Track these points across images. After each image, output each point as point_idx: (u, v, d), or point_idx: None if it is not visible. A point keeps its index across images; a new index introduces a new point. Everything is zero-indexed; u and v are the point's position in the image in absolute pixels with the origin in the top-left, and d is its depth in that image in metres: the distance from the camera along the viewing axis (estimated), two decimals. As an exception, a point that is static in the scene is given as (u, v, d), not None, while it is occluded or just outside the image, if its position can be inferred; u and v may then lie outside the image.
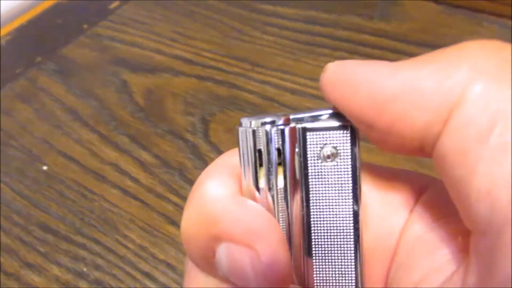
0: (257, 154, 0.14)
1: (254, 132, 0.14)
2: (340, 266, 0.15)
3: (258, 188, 0.14)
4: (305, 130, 0.14)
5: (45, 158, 0.43)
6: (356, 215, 0.14)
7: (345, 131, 0.14)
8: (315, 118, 0.14)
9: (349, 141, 0.14)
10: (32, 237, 0.37)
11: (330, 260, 0.15)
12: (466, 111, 0.11)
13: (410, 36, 0.48)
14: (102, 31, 0.55)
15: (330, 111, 0.14)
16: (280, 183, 0.14)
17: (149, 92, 0.47)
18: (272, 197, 0.14)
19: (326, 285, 0.15)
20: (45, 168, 0.42)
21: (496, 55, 0.11)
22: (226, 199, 0.14)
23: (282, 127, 0.14)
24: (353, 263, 0.14)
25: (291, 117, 0.14)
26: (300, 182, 0.14)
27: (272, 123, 0.14)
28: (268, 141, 0.14)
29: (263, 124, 0.14)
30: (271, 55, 0.49)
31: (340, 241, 0.14)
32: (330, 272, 0.15)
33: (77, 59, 0.52)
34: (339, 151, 0.14)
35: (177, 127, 0.43)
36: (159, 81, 0.48)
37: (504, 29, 0.47)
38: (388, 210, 0.15)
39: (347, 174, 0.14)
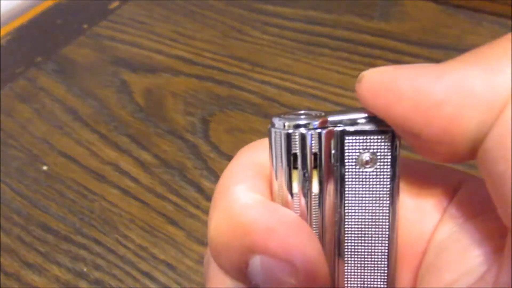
0: (291, 158, 0.13)
1: (289, 135, 0.13)
2: (372, 274, 0.14)
3: (291, 193, 0.14)
4: (343, 133, 0.13)
5: (45, 158, 0.43)
6: (392, 224, 0.14)
7: (385, 136, 0.13)
8: (353, 122, 0.13)
9: (389, 146, 0.13)
10: (32, 237, 0.37)
11: (362, 267, 0.14)
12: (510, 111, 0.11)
13: (410, 36, 0.48)
14: (102, 31, 0.55)
15: (367, 114, 0.13)
16: (315, 188, 0.14)
17: (149, 92, 0.47)
18: (307, 202, 0.14)
19: None
20: (45, 168, 0.42)
21: None
22: (258, 206, 0.13)
23: (319, 130, 0.13)
24: (385, 272, 0.14)
25: (328, 119, 0.14)
26: (336, 188, 0.14)
27: (308, 125, 0.14)
28: (305, 145, 0.13)
29: (298, 126, 0.13)
30: (271, 55, 0.49)
31: (374, 249, 0.14)
32: (362, 279, 0.14)
33: (77, 59, 0.52)
34: (378, 157, 0.13)
35: (177, 127, 0.43)
36: (159, 81, 0.48)
37: (504, 29, 0.47)
38: (421, 215, 0.15)
39: (386, 181, 0.13)
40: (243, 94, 0.45)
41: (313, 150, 0.13)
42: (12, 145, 0.44)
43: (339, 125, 0.13)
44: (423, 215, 0.15)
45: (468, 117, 0.12)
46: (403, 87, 0.12)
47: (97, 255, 0.35)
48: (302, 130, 0.13)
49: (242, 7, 0.55)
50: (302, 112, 0.14)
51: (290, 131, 0.13)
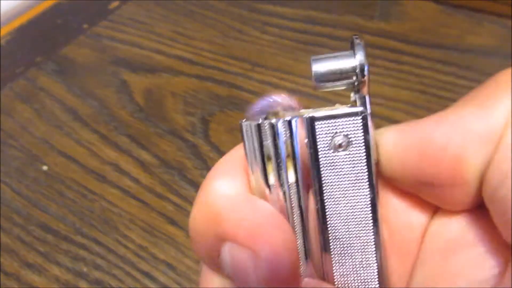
0: (264, 149, 0.13)
1: (259, 126, 0.13)
2: (360, 259, 0.14)
3: (268, 185, 0.14)
4: (313, 119, 0.13)
5: (45, 158, 0.43)
6: (373, 205, 0.13)
7: (355, 118, 0.13)
8: (325, 109, 0.13)
9: (361, 127, 0.13)
10: (32, 237, 0.37)
11: (349, 253, 0.14)
12: (508, 139, 0.12)
13: (410, 36, 0.48)
14: (102, 31, 0.55)
15: (343, 107, 0.13)
16: (291, 177, 0.13)
17: (149, 92, 0.47)
18: (284, 193, 0.14)
19: (347, 279, 0.14)
20: (45, 168, 0.42)
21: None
22: (233, 197, 0.13)
23: (288, 118, 0.13)
24: (374, 255, 0.14)
25: (299, 107, 0.14)
26: (312, 175, 0.13)
27: (277, 114, 0.13)
28: (275, 134, 0.13)
29: (266, 118, 0.13)
30: (271, 55, 0.49)
31: (359, 233, 0.14)
32: (350, 265, 0.14)
33: (77, 59, 0.52)
34: (351, 140, 0.13)
35: (177, 127, 0.43)
36: (159, 81, 0.48)
37: (504, 29, 0.47)
38: (411, 215, 0.15)
39: (362, 163, 0.13)
40: (243, 94, 0.45)
41: (284, 139, 0.13)
42: (12, 145, 0.44)
43: (308, 111, 0.13)
44: (414, 204, 0.15)
45: (472, 154, 0.12)
46: (409, 141, 0.13)
47: (97, 255, 0.35)
48: (272, 120, 0.13)
49: (242, 7, 0.55)
50: (268, 99, 0.14)
51: (260, 121, 0.13)
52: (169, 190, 0.39)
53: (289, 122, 0.13)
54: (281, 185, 0.14)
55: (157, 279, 0.34)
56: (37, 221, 0.38)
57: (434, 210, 0.15)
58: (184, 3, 0.57)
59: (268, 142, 0.13)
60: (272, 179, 0.14)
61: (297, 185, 0.14)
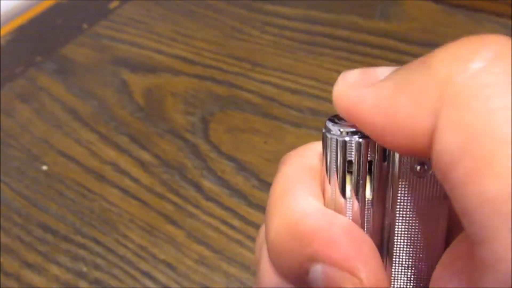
0: (346, 165, 0.14)
1: (345, 142, 0.14)
2: (419, 282, 0.14)
3: (345, 197, 0.14)
4: None
5: (45, 158, 0.43)
6: (442, 231, 0.14)
7: None
8: None
9: None
10: (32, 237, 0.37)
11: (410, 274, 0.14)
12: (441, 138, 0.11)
13: (410, 35, 0.48)
14: (102, 31, 0.55)
15: None
16: (368, 193, 0.14)
17: (149, 92, 0.47)
18: (360, 207, 0.14)
19: None
20: (44, 168, 0.42)
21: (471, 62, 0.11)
22: (317, 214, 0.14)
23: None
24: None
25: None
26: (388, 194, 0.14)
27: (361, 134, 0.14)
28: (360, 152, 0.14)
29: (354, 133, 0.14)
30: (271, 55, 0.49)
31: (422, 256, 0.14)
32: (409, 283, 0.15)
33: (77, 59, 0.52)
34: (428, 167, 0.13)
35: (177, 127, 0.43)
36: (159, 81, 0.48)
37: (504, 29, 0.47)
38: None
39: (437, 189, 0.14)
40: (243, 94, 0.45)
41: (368, 158, 0.14)
42: (12, 145, 0.44)
43: None
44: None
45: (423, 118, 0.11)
46: (371, 115, 0.13)
47: (96, 255, 0.35)
48: (358, 138, 0.14)
49: (242, 6, 0.55)
50: None
51: (347, 138, 0.14)
52: (169, 190, 0.39)
53: (375, 143, 0.14)
54: (358, 199, 0.14)
55: (157, 279, 0.34)
56: (37, 221, 0.38)
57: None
58: (184, 3, 0.57)
59: (352, 159, 0.14)
60: (349, 192, 0.14)
61: (373, 202, 0.14)
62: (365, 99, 0.12)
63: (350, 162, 0.14)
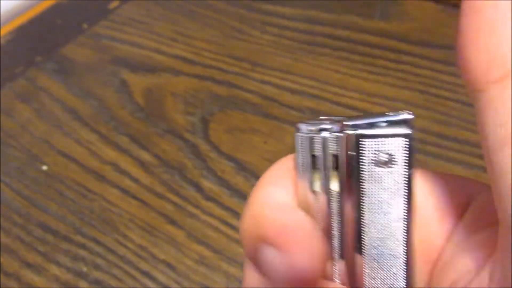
0: (313, 159, 0.15)
1: (311, 138, 0.15)
2: (390, 271, 0.15)
3: (313, 191, 0.15)
4: (360, 136, 0.14)
5: (44, 158, 0.43)
6: (408, 221, 0.14)
7: (400, 139, 0.14)
8: (370, 125, 0.14)
9: (404, 148, 0.14)
10: (32, 237, 0.37)
11: (381, 264, 0.15)
12: None
13: (410, 35, 0.48)
14: (101, 31, 0.55)
15: (386, 119, 0.14)
16: (335, 187, 0.15)
17: (149, 92, 0.47)
18: (327, 200, 0.15)
19: (375, 282, 0.15)
20: (44, 168, 0.42)
21: None
22: (279, 206, 0.15)
23: (338, 134, 0.15)
24: (404, 270, 0.15)
25: (347, 123, 0.14)
26: (354, 187, 0.15)
27: (328, 129, 0.15)
28: (325, 147, 0.15)
29: (320, 130, 0.15)
30: (271, 55, 0.49)
31: (390, 245, 0.15)
32: (381, 276, 0.15)
33: (77, 59, 0.52)
34: (394, 158, 0.14)
35: (177, 127, 0.43)
36: (159, 81, 0.48)
37: (504, 28, 0.47)
38: (439, 215, 0.15)
39: (402, 181, 0.14)
40: (243, 94, 0.45)
41: (333, 152, 0.15)
42: (12, 145, 0.44)
43: (357, 128, 0.14)
44: (442, 215, 0.16)
45: None
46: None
47: (96, 255, 0.35)
48: (324, 133, 0.15)
49: (242, 6, 0.55)
50: (325, 118, 0.15)
51: (313, 135, 0.15)
52: (169, 190, 0.39)
53: (338, 138, 0.15)
54: (325, 193, 0.15)
55: (157, 279, 0.34)
56: (36, 221, 0.38)
57: (458, 217, 0.16)
58: (184, 3, 0.57)
59: (318, 154, 0.15)
60: (317, 187, 0.15)
61: (340, 195, 0.15)
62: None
63: (317, 158, 0.15)
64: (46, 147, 0.43)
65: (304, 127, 0.15)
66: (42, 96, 0.49)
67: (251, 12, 0.54)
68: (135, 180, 0.40)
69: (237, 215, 0.36)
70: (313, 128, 0.15)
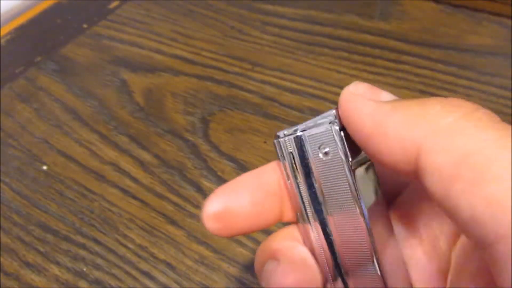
0: (284, 160, 0.19)
1: (277, 142, 0.19)
2: (356, 246, 0.17)
3: (288, 180, 0.19)
4: (304, 136, 0.18)
5: (44, 157, 0.43)
6: (356, 199, 0.17)
7: (330, 132, 0.17)
8: (307, 127, 0.18)
9: (335, 140, 0.17)
10: (32, 237, 0.37)
11: (346, 240, 0.18)
12: (427, 161, 0.13)
13: (410, 35, 0.48)
14: (101, 31, 0.55)
15: (328, 118, 0.17)
16: (299, 178, 0.18)
17: (149, 91, 0.47)
18: (294, 188, 0.19)
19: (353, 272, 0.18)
20: (44, 167, 0.42)
21: (453, 113, 0.13)
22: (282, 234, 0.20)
23: (291, 136, 0.18)
24: (367, 243, 0.17)
25: (298, 127, 0.18)
26: (309, 177, 0.18)
27: (285, 135, 0.18)
28: (283, 148, 0.18)
29: (278, 136, 0.19)
30: (271, 55, 0.49)
31: (351, 222, 0.17)
32: (349, 251, 0.18)
33: (77, 58, 0.52)
34: (331, 149, 0.17)
35: (177, 127, 0.43)
36: (159, 81, 0.48)
37: (504, 29, 0.47)
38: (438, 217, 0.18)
39: (340, 167, 0.17)
40: (243, 93, 0.45)
41: (289, 150, 0.18)
42: (11, 145, 0.44)
43: (302, 130, 0.18)
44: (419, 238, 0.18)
45: (386, 156, 0.15)
46: (366, 122, 0.16)
47: (96, 254, 0.35)
48: (280, 139, 0.19)
49: (242, 6, 0.55)
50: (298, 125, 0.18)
51: (276, 139, 0.19)
52: (169, 190, 0.39)
53: (291, 140, 0.18)
54: (293, 182, 0.19)
55: (156, 279, 0.34)
56: (37, 221, 0.38)
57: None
58: (183, 2, 0.57)
59: (281, 153, 0.19)
60: (288, 177, 0.19)
61: (306, 183, 0.18)
62: (364, 108, 0.15)
63: (288, 155, 0.18)
64: (46, 147, 0.43)
65: (281, 133, 0.18)
66: (42, 96, 0.49)
67: (251, 12, 0.54)
68: (135, 180, 0.40)
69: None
70: (278, 134, 0.19)
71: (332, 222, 0.18)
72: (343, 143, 0.17)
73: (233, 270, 0.34)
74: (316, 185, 0.18)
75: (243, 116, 0.43)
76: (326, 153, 0.17)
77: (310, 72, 0.46)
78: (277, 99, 0.44)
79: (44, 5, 0.60)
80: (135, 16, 0.57)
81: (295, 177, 0.18)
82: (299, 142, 0.18)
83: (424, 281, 0.17)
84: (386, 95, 0.16)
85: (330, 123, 0.17)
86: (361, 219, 0.17)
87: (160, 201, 0.38)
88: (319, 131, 0.17)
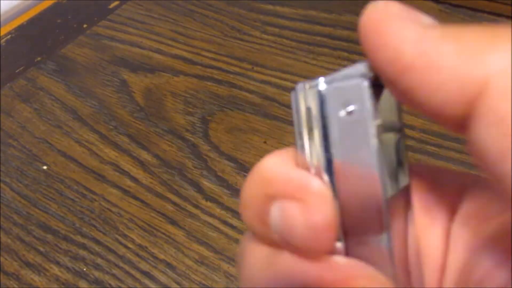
0: (296, 115, 0.16)
1: (293, 96, 0.15)
2: (367, 215, 0.15)
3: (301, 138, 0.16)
4: (328, 90, 0.15)
5: (44, 157, 0.43)
6: (380, 169, 0.15)
7: (360, 87, 0.14)
8: (332, 79, 0.15)
9: (364, 97, 0.14)
10: (32, 237, 0.37)
11: (357, 207, 0.15)
12: (492, 107, 0.10)
13: (410, 35, 0.48)
14: (101, 31, 0.55)
15: (353, 68, 0.14)
16: (316, 136, 0.15)
17: (149, 91, 0.47)
18: (309, 146, 0.15)
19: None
20: (44, 167, 0.42)
21: None
22: (282, 165, 0.15)
23: (311, 90, 0.15)
24: (380, 211, 0.15)
25: (322, 78, 0.15)
26: (327, 139, 0.15)
27: (305, 86, 0.15)
28: (297, 103, 0.15)
29: (296, 89, 0.15)
30: (271, 55, 0.49)
31: (367, 189, 0.15)
32: (359, 221, 0.15)
33: (77, 58, 0.52)
34: (356, 108, 0.14)
35: (177, 127, 0.43)
36: (159, 81, 0.48)
37: (504, 28, 0.47)
38: (431, 219, 0.15)
39: (366, 129, 0.14)
40: (243, 93, 0.45)
41: (308, 105, 0.15)
42: (12, 144, 0.44)
43: (325, 83, 0.15)
44: (433, 219, 0.15)
45: (431, 93, 0.12)
46: (389, 37, 0.12)
47: (97, 254, 0.35)
48: (299, 91, 0.15)
49: (242, 6, 0.55)
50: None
51: (294, 92, 0.15)
52: (169, 190, 0.39)
53: (314, 92, 0.15)
54: (307, 140, 0.15)
55: (157, 279, 0.34)
56: (37, 221, 0.38)
57: (452, 213, 0.15)
58: (183, 3, 0.57)
59: (297, 107, 0.15)
60: (300, 135, 0.16)
61: (322, 146, 0.15)
62: (404, 31, 0.12)
63: (306, 111, 0.15)
64: (46, 147, 0.43)
65: (301, 85, 0.15)
66: (42, 96, 0.49)
67: (251, 12, 0.54)
68: (135, 180, 0.40)
69: (237, 215, 0.36)
70: (298, 86, 0.15)
71: (345, 190, 0.15)
72: (373, 102, 0.14)
73: (233, 270, 0.34)
74: (332, 151, 0.15)
75: (243, 116, 0.43)
76: (350, 113, 0.14)
77: (310, 72, 0.46)
78: (277, 99, 0.44)
79: (44, 5, 0.60)
80: (135, 16, 0.57)
81: (311, 138, 0.15)
82: (320, 97, 0.15)
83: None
84: (426, 19, 0.13)
85: (361, 76, 0.14)
86: (379, 188, 0.14)
87: (160, 201, 0.38)
88: (346, 85, 0.15)
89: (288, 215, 0.14)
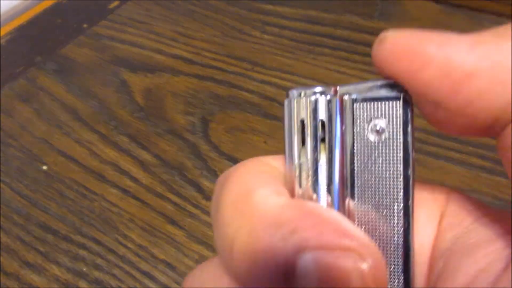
0: (301, 124, 0.13)
1: (298, 101, 0.13)
2: (387, 246, 0.13)
3: (304, 146, 0.14)
4: (353, 101, 0.13)
5: (45, 157, 0.43)
6: (406, 193, 0.13)
7: (395, 103, 0.12)
8: (363, 89, 0.13)
9: (401, 113, 0.12)
10: (32, 237, 0.37)
11: (377, 240, 0.13)
12: None
13: (410, 35, 0.48)
14: (101, 31, 0.55)
15: (380, 83, 0.13)
16: (323, 157, 0.13)
17: (149, 91, 0.47)
18: (314, 170, 0.13)
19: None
20: (44, 167, 0.42)
21: None
22: (292, 204, 0.13)
23: (329, 97, 0.13)
24: (400, 244, 0.13)
25: (340, 88, 0.13)
26: (345, 159, 0.13)
27: (320, 93, 0.13)
28: (315, 111, 0.13)
29: (310, 94, 0.13)
30: (271, 55, 0.49)
31: (387, 221, 0.13)
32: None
33: (77, 58, 0.52)
34: (389, 125, 0.13)
35: (177, 127, 0.43)
36: (159, 81, 0.48)
37: (504, 28, 0.47)
38: (417, 225, 0.14)
39: (398, 151, 0.13)
40: (243, 93, 0.45)
41: (321, 118, 0.13)
42: (12, 145, 0.44)
43: (350, 93, 0.13)
44: (419, 225, 0.15)
45: (496, 94, 0.11)
46: (432, 53, 0.12)
47: (97, 255, 0.35)
48: (313, 97, 0.13)
49: (242, 6, 0.55)
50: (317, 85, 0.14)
51: (300, 98, 0.13)
52: (169, 190, 0.39)
53: (329, 102, 0.13)
54: (314, 162, 0.13)
55: (157, 279, 0.34)
56: (37, 221, 0.38)
57: (441, 215, 0.15)
58: (183, 2, 0.57)
59: (304, 118, 0.13)
60: (306, 155, 0.13)
61: (329, 166, 0.13)
62: (452, 46, 0.11)
63: (304, 123, 0.13)
64: (46, 147, 0.43)
65: (293, 92, 0.13)
66: (42, 96, 0.49)
67: (251, 12, 0.54)
68: (135, 180, 0.40)
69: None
70: (302, 91, 0.13)
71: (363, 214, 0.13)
72: (412, 120, 0.12)
73: (233, 270, 0.33)
74: (336, 167, 0.13)
75: (243, 116, 0.43)
76: (378, 131, 0.13)
77: (310, 72, 0.46)
78: (277, 99, 0.44)
79: (44, 5, 0.60)
80: (135, 16, 0.57)
81: (315, 151, 0.13)
82: (338, 108, 0.13)
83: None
84: (445, 33, 0.12)
85: (400, 91, 0.12)
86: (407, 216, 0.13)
87: (160, 201, 0.38)
88: (378, 96, 0.12)
89: (335, 268, 0.11)
